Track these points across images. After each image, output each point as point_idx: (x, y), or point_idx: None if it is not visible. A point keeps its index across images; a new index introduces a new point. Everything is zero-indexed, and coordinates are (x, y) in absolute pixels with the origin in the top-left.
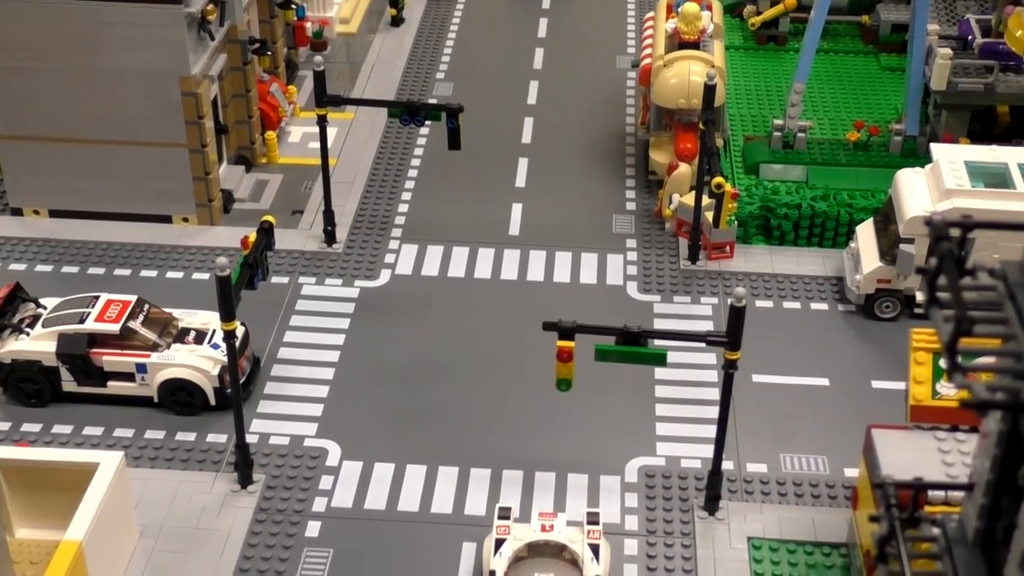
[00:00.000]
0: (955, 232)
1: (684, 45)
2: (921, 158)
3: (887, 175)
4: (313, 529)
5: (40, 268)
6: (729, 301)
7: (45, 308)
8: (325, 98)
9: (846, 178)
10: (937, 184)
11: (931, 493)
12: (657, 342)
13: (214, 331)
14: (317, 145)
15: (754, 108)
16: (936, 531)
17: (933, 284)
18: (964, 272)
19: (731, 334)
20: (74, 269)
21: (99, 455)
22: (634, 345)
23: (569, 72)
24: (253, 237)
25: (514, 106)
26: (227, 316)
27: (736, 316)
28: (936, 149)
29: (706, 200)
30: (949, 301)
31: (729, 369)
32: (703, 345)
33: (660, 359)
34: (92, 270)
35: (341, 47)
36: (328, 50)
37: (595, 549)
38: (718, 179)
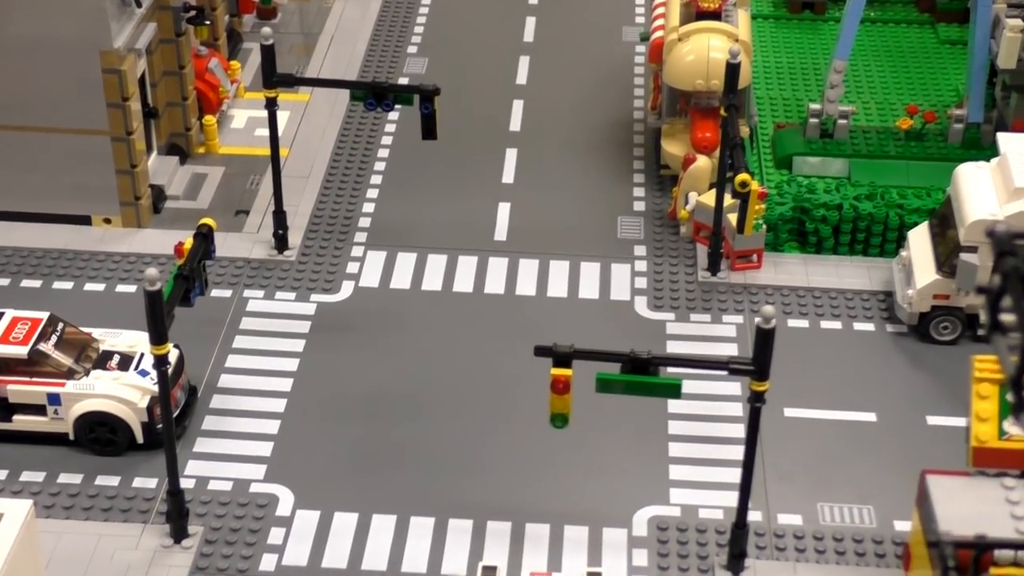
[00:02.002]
0: (1023, 244)
1: (702, 15)
2: (986, 150)
3: (945, 170)
4: None
5: None
6: (756, 321)
7: None
8: (275, 77)
9: (896, 173)
10: (1005, 182)
11: (997, 552)
12: (671, 370)
13: (142, 355)
14: (265, 132)
15: (786, 90)
16: None
17: (996, 306)
18: None
19: (758, 361)
20: None
21: (3, 504)
22: (643, 374)
23: (566, 46)
24: (189, 243)
25: (501, 87)
26: (158, 338)
27: (764, 340)
28: (1004, 140)
29: (729, 200)
30: (1015, 325)
31: (756, 403)
32: (725, 374)
33: (674, 391)
34: None
35: (294, 15)
36: (278, 18)
37: None
38: (743, 176)
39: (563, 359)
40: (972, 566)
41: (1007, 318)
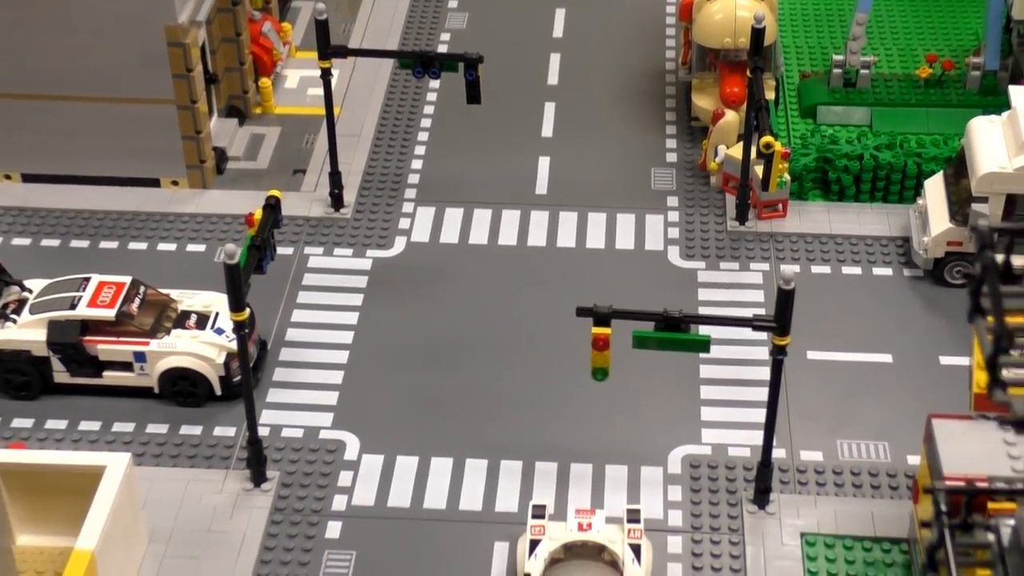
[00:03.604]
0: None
1: None
2: (1002, 95)
3: (963, 116)
4: (334, 530)
5: (17, 241)
6: (777, 283)
7: (31, 291)
8: (328, 49)
9: (916, 120)
10: (1015, 135)
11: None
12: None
13: (217, 314)
14: (317, 91)
15: (811, 37)
16: (990, 537)
17: (977, 292)
18: (1011, 278)
19: (780, 319)
20: (55, 242)
21: (105, 457)
22: (675, 331)
23: None
24: (259, 215)
25: (538, 40)
26: (237, 306)
27: (785, 300)
28: (1015, 93)
29: (755, 154)
30: (991, 311)
31: (778, 355)
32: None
33: (703, 346)
34: (75, 243)
35: None
36: None
37: (636, 549)
38: (767, 138)
39: (603, 319)
40: (963, 510)
41: (985, 303)
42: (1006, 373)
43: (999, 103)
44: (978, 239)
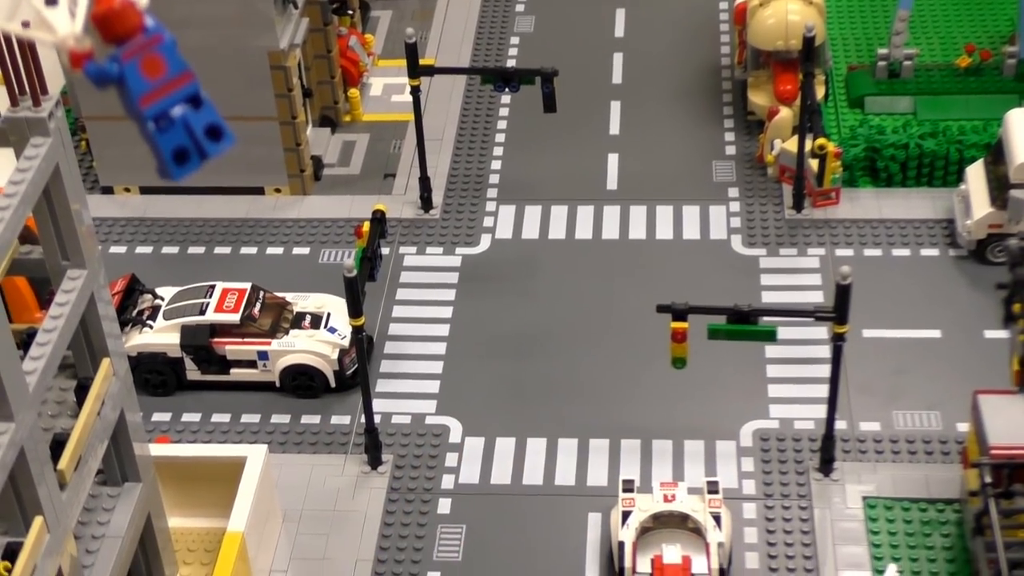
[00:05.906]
0: None
1: None
2: None
3: (1001, 102)
4: (444, 506)
5: (140, 249)
6: (836, 279)
7: (162, 299)
8: (418, 69)
9: (957, 107)
10: None
11: None
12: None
13: (329, 314)
14: (399, 98)
15: (857, 29)
16: None
17: (1011, 301)
18: None
19: (839, 310)
20: (174, 249)
21: (246, 449)
22: (744, 323)
23: None
24: (366, 228)
25: (601, 40)
26: (356, 313)
27: (843, 293)
28: None
29: (810, 145)
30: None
31: (838, 341)
32: (813, 305)
33: (770, 336)
34: (192, 249)
35: None
36: None
37: (716, 517)
38: (821, 140)
39: (680, 314)
40: (1005, 480)
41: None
42: None
43: None
44: (1009, 257)
